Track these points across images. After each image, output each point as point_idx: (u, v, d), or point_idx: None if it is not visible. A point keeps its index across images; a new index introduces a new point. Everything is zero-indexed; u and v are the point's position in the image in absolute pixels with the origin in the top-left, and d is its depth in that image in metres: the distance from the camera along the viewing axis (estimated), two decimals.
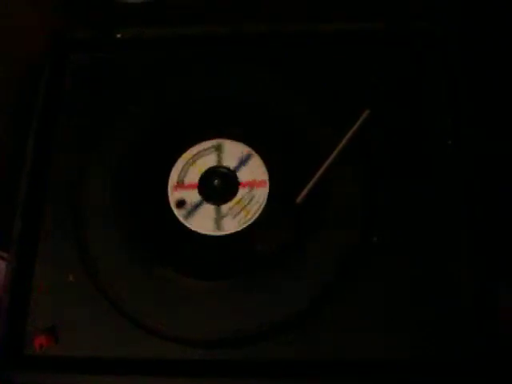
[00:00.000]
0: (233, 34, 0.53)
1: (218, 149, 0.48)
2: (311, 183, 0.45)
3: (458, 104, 0.47)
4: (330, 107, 0.48)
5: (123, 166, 0.48)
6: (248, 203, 0.46)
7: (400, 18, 0.52)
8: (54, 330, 0.43)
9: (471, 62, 0.49)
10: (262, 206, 0.46)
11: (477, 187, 0.44)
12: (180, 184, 0.47)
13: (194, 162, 0.48)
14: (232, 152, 0.48)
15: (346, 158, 0.46)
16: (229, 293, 0.43)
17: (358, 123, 0.47)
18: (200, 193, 0.47)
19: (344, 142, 0.46)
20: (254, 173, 0.47)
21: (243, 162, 0.47)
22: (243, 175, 0.47)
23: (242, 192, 0.46)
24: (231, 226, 0.45)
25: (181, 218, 0.46)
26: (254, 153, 0.47)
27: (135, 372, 0.42)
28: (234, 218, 0.45)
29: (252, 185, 0.46)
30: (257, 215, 0.45)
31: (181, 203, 0.46)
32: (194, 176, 0.47)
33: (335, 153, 0.46)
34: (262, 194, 0.46)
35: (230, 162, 0.48)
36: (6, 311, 0.44)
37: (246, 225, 0.45)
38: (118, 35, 0.53)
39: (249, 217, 0.45)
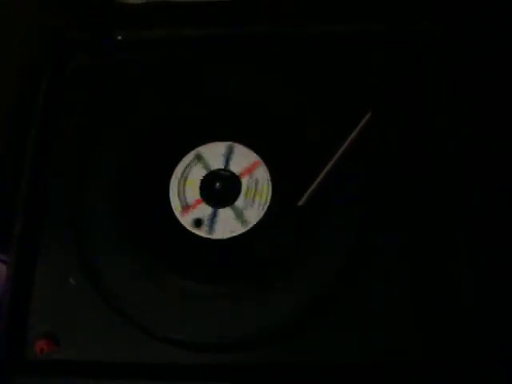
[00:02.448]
0: (233, 35, 0.53)
1: (199, 157, 0.48)
2: (313, 186, 0.45)
3: (458, 104, 0.47)
4: (330, 107, 0.48)
5: (123, 166, 0.48)
6: (256, 188, 0.46)
7: (400, 18, 0.52)
8: (54, 333, 0.43)
9: (471, 62, 0.49)
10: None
11: (477, 187, 0.44)
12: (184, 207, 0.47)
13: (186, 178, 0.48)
14: (214, 153, 0.48)
15: (346, 159, 0.46)
16: (229, 295, 0.43)
17: (359, 126, 0.47)
18: (208, 203, 0.46)
19: (346, 144, 0.46)
20: (243, 161, 0.47)
21: (228, 156, 0.47)
22: (236, 167, 0.47)
23: (245, 182, 0.46)
24: (254, 215, 0.45)
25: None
26: (234, 143, 0.48)
27: (136, 376, 0.42)
28: (253, 207, 0.45)
29: (250, 170, 0.46)
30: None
31: (198, 222, 0.45)
32: (193, 193, 0.47)
33: (337, 156, 0.46)
34: (263, 173, 0.46)
35: (216, 162, 0.48)
36: (7, 315, 0.44)
37: (264, 212, 0.45)
38: (119, 37, 0.53)
39: (263, 200, 0.45)
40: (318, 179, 0.45)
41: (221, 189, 0.47)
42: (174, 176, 0.47)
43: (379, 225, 0.44)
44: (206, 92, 0.51)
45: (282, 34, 0.52)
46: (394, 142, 0.47)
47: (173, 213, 0.46)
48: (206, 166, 0.47)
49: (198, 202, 0.46)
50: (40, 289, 0.45)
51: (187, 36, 0.53)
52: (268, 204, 0.45)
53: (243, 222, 0.45)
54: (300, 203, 0.45)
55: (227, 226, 0.45)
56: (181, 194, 0.47)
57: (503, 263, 0.43)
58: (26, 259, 0.46)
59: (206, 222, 0.45)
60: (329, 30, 0.52)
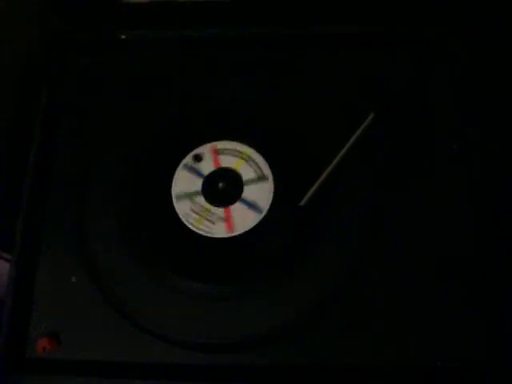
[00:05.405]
0: (234, 35, 0.53)
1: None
2: (315, 186, 0.45)
3: (460, 105, 0.47)
4: (330, 108, 0.48)
5: (123, 166, 0.48)
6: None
7: (400, 18, 0.52)
8: (56, 332, 0.43)
9: (472, 63, 0.49)
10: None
11: (479, 188, 0.45)
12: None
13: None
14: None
15: (348, 160, 0.46)
16: (229, 295, 0.43)
17: (362, 127, 0.46)
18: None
19: (348, 145, 0.46)
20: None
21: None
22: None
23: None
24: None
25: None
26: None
27: (137, 376, 0.42)
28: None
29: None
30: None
31: (197, 157, 0.46)
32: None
33: (339, 156, 0.46)
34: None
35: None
36: (9, 313, 0.44)
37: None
38: (123, 36, 0.53)
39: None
40: (320, 180, 0.45)
41: (224, 188, 0.47)
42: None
43: (380, 225, 0.44)
44: (207, 92, 0.51)
45: (283, 36, 0.52)
46: (395, 142, 0.47)
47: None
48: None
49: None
50: (42, 288, 0.45)
51: (187, 36, 0.53)
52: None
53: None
54: (301, 204, 0.45)
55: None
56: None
57: (503, 263, 0.43)
58: (28, 258, 0.46)
59: (206, 156, 0.46)
60: (330, 32, 0.52)
